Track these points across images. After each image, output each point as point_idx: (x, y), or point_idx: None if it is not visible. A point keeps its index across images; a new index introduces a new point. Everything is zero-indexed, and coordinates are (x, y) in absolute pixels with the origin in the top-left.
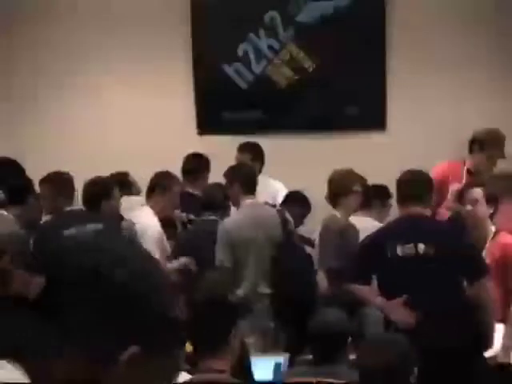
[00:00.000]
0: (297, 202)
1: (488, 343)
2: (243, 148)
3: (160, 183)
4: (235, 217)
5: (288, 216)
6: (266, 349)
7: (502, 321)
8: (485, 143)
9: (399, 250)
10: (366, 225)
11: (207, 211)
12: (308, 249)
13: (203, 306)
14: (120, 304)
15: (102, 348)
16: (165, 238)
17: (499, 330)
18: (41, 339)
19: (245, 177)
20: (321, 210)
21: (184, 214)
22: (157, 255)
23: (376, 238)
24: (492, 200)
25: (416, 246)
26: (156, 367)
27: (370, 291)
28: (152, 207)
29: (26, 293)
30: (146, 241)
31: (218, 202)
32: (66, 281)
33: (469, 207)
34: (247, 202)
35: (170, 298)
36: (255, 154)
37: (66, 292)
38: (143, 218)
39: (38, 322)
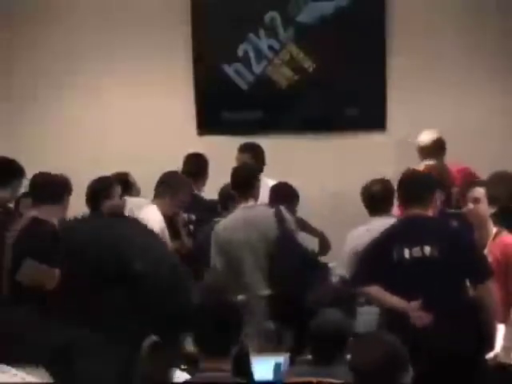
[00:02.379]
0: (284, 195)
1: (490, 345)
2: (244, 148)
3: (169, 183)
4: (226, 219)
5: (286, 214)
6: (268, 351)
7: (503, 321)
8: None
9: (406, 253)
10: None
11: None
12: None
13: (206, 307)
14: (142, 293)
15: (127, 335)
16: (167, 236)
17: (500, 330)
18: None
19: (233, 181)
20: (321, 209)
21: (185, 215)
22: None
23: (382, 241)
24: (493, 200)
25: (422, 249)
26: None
27: (384, 292)
28: (158, 205)
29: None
30: None
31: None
32: (88, 271)
33: (470, 205)
34: (242, 204)
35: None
36: (255, 154)
37: (88, 282)
38: (147, 215)
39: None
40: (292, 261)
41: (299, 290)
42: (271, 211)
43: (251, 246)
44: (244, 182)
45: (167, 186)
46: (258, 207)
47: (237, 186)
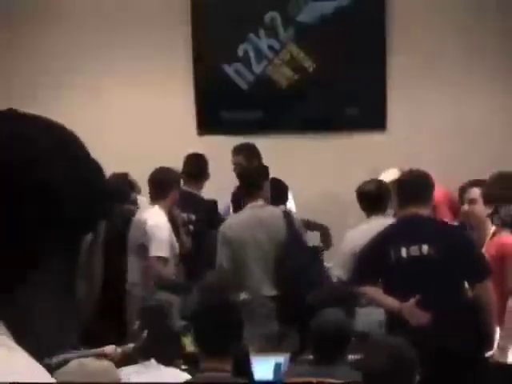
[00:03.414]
0: (278, 190)
1: (489, 344)
2: (238, 150)
3: (175, 180)
4: (232, 218)
5: (294, 216)
6: (269, 351)
7: (499, 321)
8: None
9: (404, 252)
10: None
11: None
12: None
13: (207, 307)
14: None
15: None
16: (174, 237)
17: (496, 329)
18: None
19: (241, 180)
20: (321, 209)
21: (185, 215)
22: (167, 254)
23: (379, 241)
24: (490, 200)
25: (420, 248)
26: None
27: (380, 292)
28: (165, 204)
29: None
30: (157, 241)
31: None
32: None
33: (466, 207)
34: (249, 204)
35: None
36: (251, 154)
37: None
38: (153, 219)
39: None
40: (300, 263)
41: (305, 291)
42: (280, 213)
43: (258, 246)
44: (251, 182)
45: (164, 184)
46: (267, 208)
47: (244, 185)
